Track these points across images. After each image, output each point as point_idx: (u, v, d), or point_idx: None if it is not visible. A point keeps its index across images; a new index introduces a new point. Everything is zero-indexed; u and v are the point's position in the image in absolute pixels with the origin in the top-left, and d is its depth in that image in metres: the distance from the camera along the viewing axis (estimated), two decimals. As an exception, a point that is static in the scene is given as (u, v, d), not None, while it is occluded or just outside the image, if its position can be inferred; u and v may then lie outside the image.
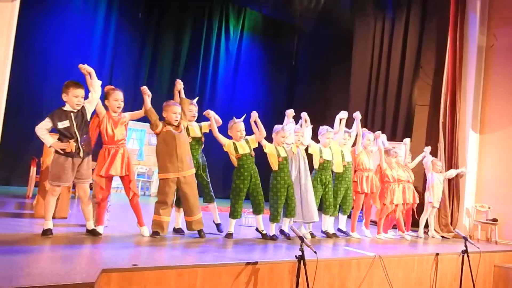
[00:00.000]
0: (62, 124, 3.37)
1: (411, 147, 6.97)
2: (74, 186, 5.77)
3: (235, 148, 4.16)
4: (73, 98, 3.40)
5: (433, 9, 7.58)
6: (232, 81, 10.11)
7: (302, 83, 10.44)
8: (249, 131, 4.32)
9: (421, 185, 6.65)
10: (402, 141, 6.23)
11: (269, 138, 4.43)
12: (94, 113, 3.65)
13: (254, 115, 4.24)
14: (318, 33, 9.86)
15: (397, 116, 8.06)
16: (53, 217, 3.50)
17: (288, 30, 10.19)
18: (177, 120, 3.85)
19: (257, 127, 4.25)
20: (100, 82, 3.58)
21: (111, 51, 8.52)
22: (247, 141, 4.24)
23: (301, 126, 4.73)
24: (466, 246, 4.41)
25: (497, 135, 6.72)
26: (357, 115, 5.10)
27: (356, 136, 5.18)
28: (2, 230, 3.46)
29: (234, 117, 4.32)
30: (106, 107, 3.69)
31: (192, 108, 4.23)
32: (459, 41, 6.74)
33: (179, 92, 4.09)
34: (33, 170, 5.86)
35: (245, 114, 4.35)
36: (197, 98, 4.44)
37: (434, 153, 6.62)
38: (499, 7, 6.88)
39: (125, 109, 3.80)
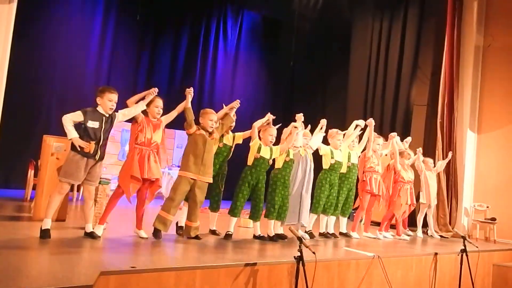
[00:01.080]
0: (92, 123, 3.45)
1: (409, 147, 6.98)
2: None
3: (259, 148, 4.23)
4: (107, 102, 3.51)
5: (431, 9, 7.61)
6: (230, 81, 10.11)
7: (301, 83, 10.45)
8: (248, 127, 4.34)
9: (418, 185, 6.66)
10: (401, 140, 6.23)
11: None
12: (133, 120, 3.77)
13: (268, 118, 4.32)
14: (316, 33, 9.87)
15: (395, 116, 8.07)
16: (52, 219, 3.49)
17: (286, 30, 10.20)
18: (212, 127, 3.97)
19: (289, 136, 4.32)
20: (144, 108, 3.73)
21: (109, 53, 8.50)
22: (271, 149, 4.30)
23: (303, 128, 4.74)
24: (464, 246, 4.42)
25: (495, 134, 6.74)
26: (371, 122, 5.16)
27: (368, 141, 5.23)
28: (0, 233, 3.46)
29: (270, 121, 4.39)
30: (146, 113, 3.80)
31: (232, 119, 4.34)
32: (456, 41, 6.77)
33: (231, 109, 4.22)
34: (31, 172, 5.85)
35: (281, 123, 4.43)
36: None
37: (432, 153, 6.64)
38: (496, 7, 6.91)
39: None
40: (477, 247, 4.76)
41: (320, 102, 9.78)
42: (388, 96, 8.22)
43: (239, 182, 4.25)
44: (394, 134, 5.54)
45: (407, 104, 7.92)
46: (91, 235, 3.54)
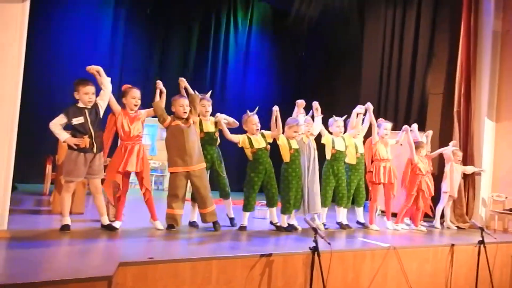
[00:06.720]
0: (76, 120, 3.47)
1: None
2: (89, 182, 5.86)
3: (250, 143, 4.18)
4: (84, 96, 3.51)
5: (446, -5, 7.41)
6: (242, 73, 10.08)
7: (312, 74, 10.34)
8: (263, 125, 4.32)
9: (437, 175, 6.55)
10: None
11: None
12: (110, 111, 3.73)
13: (276, 110, 4.21)
14: (328, 23, 9.73)
15: (410, 106, 7.93)
16: (70, 213, 3.57)
17: (297, 20, 10.08)
18: (185, 113, 3.88)
19: (276, 123, 4.23)
20: (109, 79, 3.65)
21: (121, 48, 8.55)
22: (262, 135, 4.25)
23: (312, 116, 4.70)
24: (482, 237, 4.34)
25: (514, 123, 6.56)
26: (369, 106, 5.07)
27: (371, 126, 5.14)
28: (21, 226, 3.53)
29: (248, 111, 4.33)
30: (123, 105, 3.77)
31: (205, 102, 4.26)
32: (473, 27, 6.57)
33: (186, 89, 4.13)
34: (49, 167, 5.96)
35: (258, 107, 4.34)
36: (209, 93, 4.45)
37: (449, 143, 6.50)
38: (515, -9, 6.68)
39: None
40: (495, 238, 4.67)
41: (332, 92, 9.66)
42: (403, 85, 8.07)
43: (247, 178, 4.21)
44: (411, 126, 5.40)
45: (422, 93, 7.76)
46: (109, 227, 3.61)
